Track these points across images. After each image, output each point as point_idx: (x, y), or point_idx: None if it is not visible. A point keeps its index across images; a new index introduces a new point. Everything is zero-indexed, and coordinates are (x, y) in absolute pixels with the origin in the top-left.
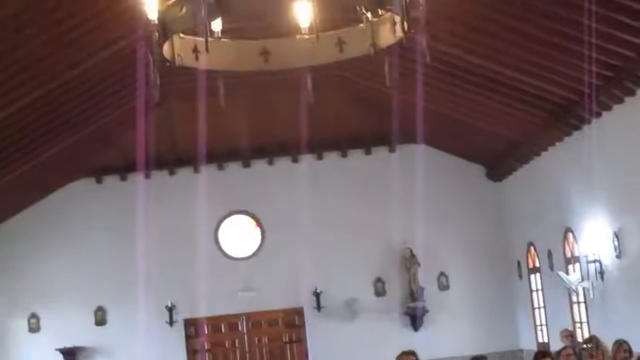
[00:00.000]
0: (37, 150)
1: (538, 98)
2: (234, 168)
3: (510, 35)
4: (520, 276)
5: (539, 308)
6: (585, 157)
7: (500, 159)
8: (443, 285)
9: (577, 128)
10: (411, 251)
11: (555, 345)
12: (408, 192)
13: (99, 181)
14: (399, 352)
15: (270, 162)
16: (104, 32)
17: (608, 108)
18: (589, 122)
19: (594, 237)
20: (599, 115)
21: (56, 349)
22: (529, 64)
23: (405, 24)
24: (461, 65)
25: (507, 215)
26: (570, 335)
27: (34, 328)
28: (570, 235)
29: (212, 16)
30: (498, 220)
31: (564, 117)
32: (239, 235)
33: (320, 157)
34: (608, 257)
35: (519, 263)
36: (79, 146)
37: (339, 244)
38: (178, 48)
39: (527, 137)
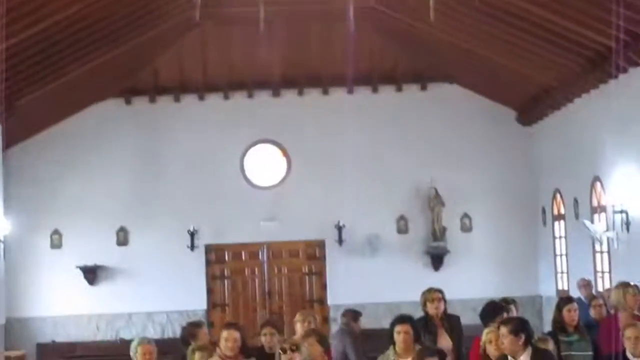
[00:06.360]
0: (68, 67)
1: (576, 43)
2: (263, 97)
3: None
4: (545, 223)
5: (561, 255)
6: (620, 106)
7: (531, 103)
8: (466, 227)
9: (614, 76)
10: (436, 191)
11: (575, 294)
12: (437, 131)
13: (128, 102)
14: (417, 290)
15: (300, 93)
16: None
17: None
18: (627, 70)
19: (623, 187)
20: (637, 64)
21: (77, 267)
22: (568, 8)
23: None
24: (500, 5)
25: (535, 160)
26: (587, 284)
27: (57, 244)
28: (598, 184)
29: None
30: (525, 165)
31: (601, 64)
32: (265, 164)
33: (350, 91)
34: (635, 208)
35: (544, 209)
36: (110, 65)
37: (365, 179)
38: None
39: (561, 83)
